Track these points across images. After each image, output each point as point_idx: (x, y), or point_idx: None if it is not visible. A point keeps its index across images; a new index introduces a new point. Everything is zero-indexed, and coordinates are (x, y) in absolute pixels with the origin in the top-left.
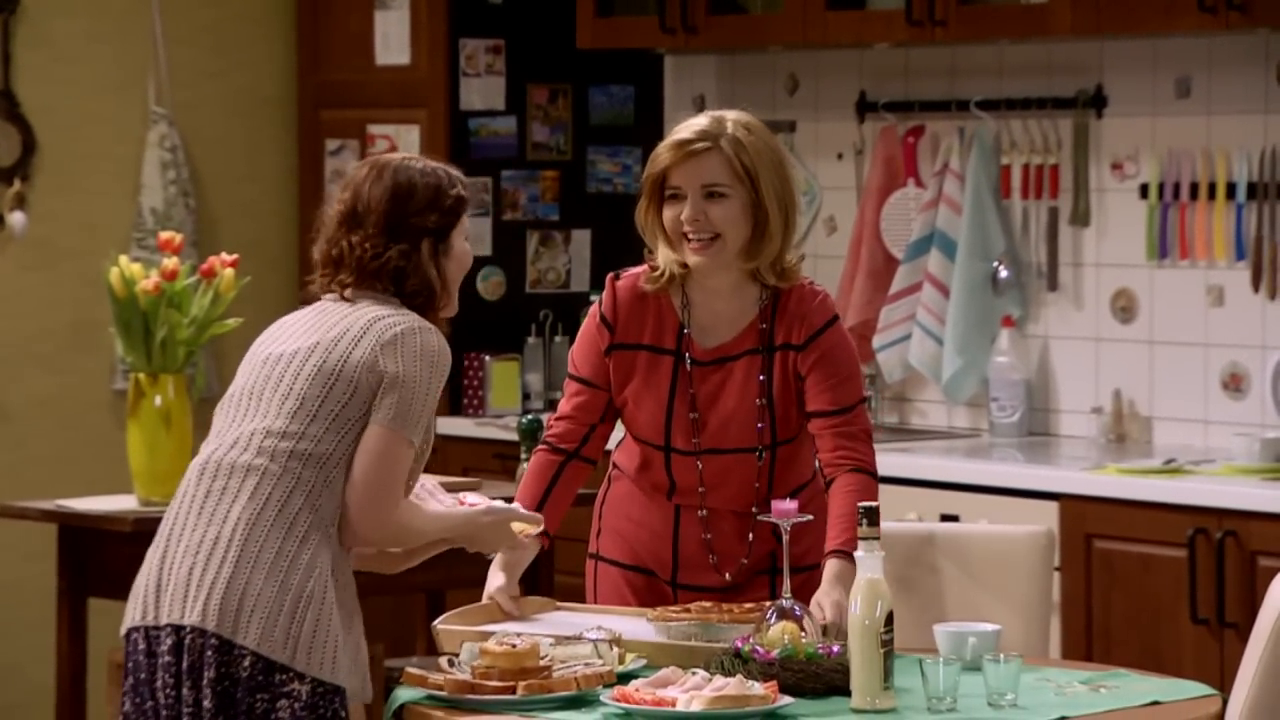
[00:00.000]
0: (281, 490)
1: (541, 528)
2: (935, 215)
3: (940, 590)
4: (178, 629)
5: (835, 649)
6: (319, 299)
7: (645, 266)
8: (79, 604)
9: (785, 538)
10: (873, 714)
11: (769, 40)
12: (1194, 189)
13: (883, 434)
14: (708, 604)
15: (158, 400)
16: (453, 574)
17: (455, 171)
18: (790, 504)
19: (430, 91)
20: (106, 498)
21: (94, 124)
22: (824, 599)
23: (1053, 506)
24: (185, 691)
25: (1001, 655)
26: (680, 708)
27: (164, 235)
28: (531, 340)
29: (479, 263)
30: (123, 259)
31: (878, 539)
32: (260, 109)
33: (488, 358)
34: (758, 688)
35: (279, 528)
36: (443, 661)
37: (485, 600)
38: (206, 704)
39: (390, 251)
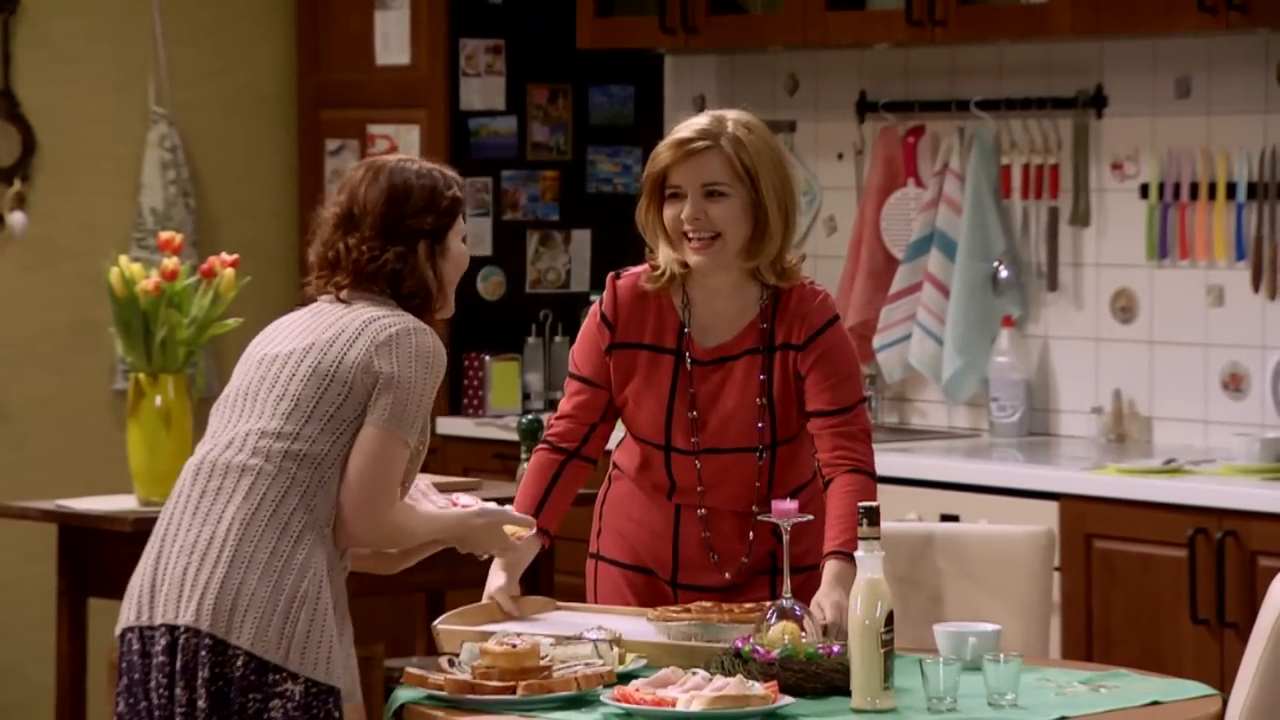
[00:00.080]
0: (276, 491)
1: (534, 530)
2: (935, 215)
3: (940, 590)
4: (172, 629)
5: (835, 649)
6: (316, 300)
7: (646, 266)
8: (79, 604)
9: (785, 538)
10: (873, 714)
11: (769, 40)
12: (1194, 189)
13: (883, 434)
14: (708, 604)
15: (158, 400)
16: (453, 574)
17: (451, 172)
18: (790, 504)
19: (430, 91)
20: (106, 498)
21: (94, 124)
22: (824, 599)
23: (1053, 506)
24: (179, 691)
25: (1001, 655)
26: (680, 708)
27: (164, 235)
28: (531, 340)
29: (479, 263)
30: (123, 259)
31: (878, 539)
32: (260, 109)
33: (488, 358)
34: (758, 688)
35: (273, 528)
36: (443, 661)
37: (485, 600)
38: (200, 704)
39: (387, 254)
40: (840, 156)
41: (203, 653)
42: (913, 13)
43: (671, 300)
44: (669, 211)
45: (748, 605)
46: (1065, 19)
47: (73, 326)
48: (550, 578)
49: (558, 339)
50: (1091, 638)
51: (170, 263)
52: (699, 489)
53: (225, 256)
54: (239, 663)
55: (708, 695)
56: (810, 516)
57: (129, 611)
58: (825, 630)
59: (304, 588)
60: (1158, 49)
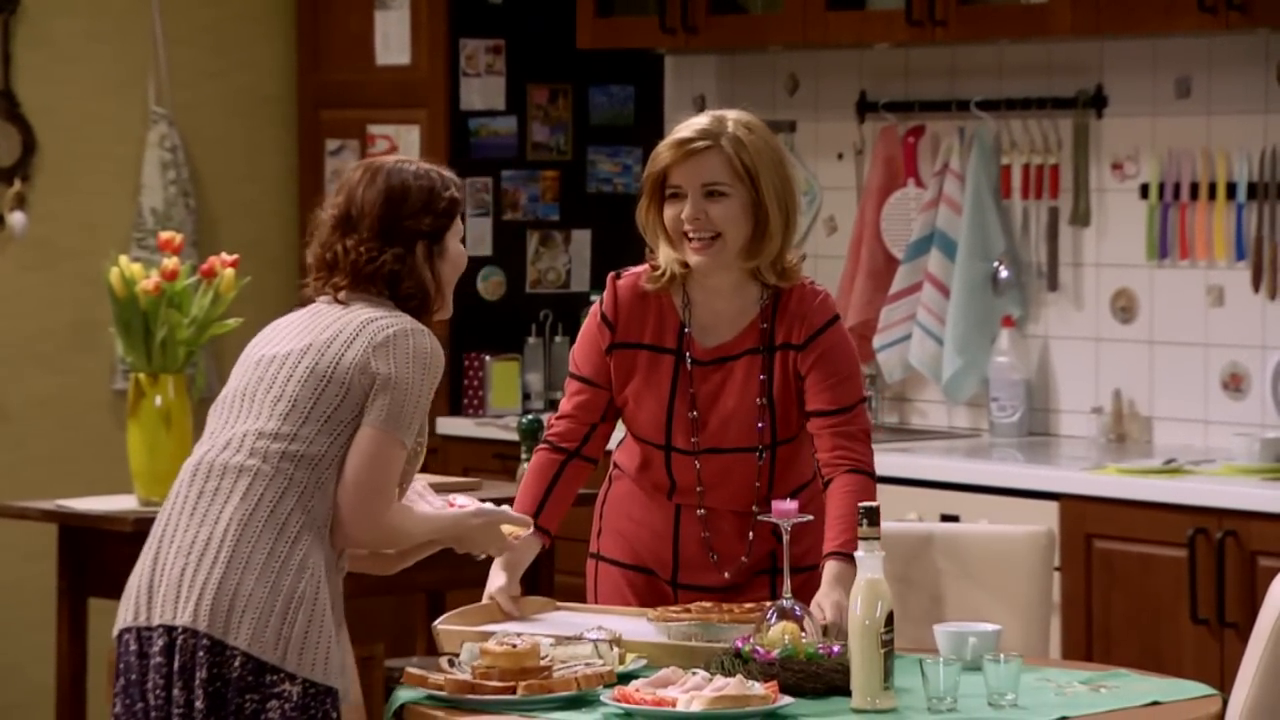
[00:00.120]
0: (273, 492)
1: (530, 529)
2: (935, 215)
3: (940, 590)
4: (169, 630)
5: (835, 649)
6: (314, 301)
7: (646, 266)
8: (79, 604)
9: (786, 538)
10: (873, 714)
11: (769, 40)
12: (1194, 189)
13: (883, 434)
14: (708, 604)
15: (158, 400)
16: (453, 574)
17: (449, 173)
18: (790, 504)
19: (430, 91)
20: (106, 498)
21: (94, 124)
22: (824, 599)
23: (1053, 506)
24: (176, 692)
25: (1002, 655)
26: (680, 708)
27: (164, 235)
28: (532, 340)
29: (480, 263)
30: (123, 259)
31: (878, 539)
32: (260, 109)
33: (488, 358)
34: (758, 688)
35: (270, 529)
36: (443, 661)
37: (485, 600)
38: (198, 705)
39: (385, 255)
40: (840, 156)
41: (200, 653)
42: (913, 13)
43: (672, 300)
44: (669, 211)
45: (748, 605)
46: (1065, 19)
47: (73, 326)
48: (550, 578)
49: (558, 339)
50: (1091, 638)
51: (170, 263)
52: (699, 489)
53: (225, 256)
54: (236, 663)
55: (708, 695)
56: (810, 517)
57: (126, 612)
58: (825, 630)
59: (301, 588)
60: (1158, 49)
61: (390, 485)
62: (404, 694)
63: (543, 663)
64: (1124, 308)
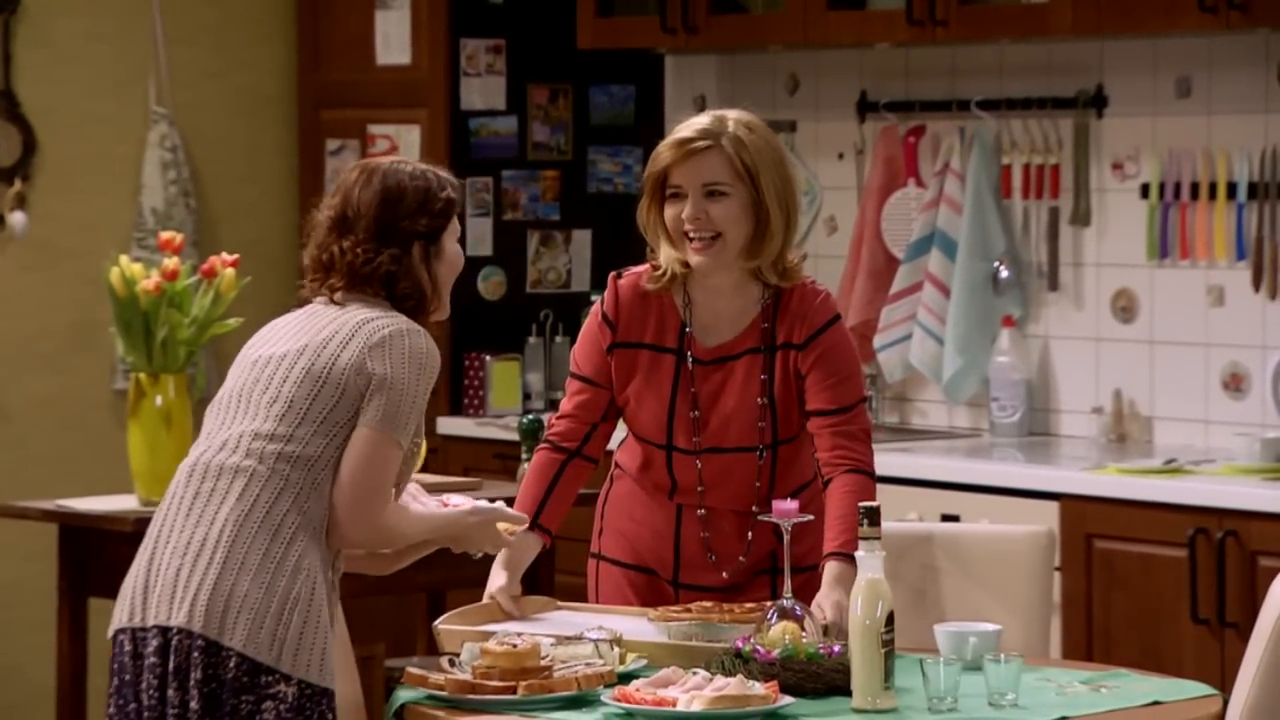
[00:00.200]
0: (269, 492)
1: (525, 526)
2: (936, 215)
3: (940, 590)
4: (164, 630)
5: (836, 649)
6: (311, 303)
7: (647, 266)
8: (79, 604)
9: (786, 538)
10: (873, 714)
11: (769, 40)
12: (1194, 189)
13: (883, 434)
14: (709, 604)
15: (158, 400)
16: (454, 574)
17: (445, 174)
18: (791, 504)
19: (431, 91)
20: (107, 498)
21: (94, 124)
22: (824, 599)
23: (1053, 506)
24: (171, 693)
25: (1002, 655)
26: (681, 708)
27: (164, 235)
28: (532, 340)
29: (480, 262)
30: (123, 259)
31: (879, 539)
32: (261, 109)
33: (488, 358)
34: (758, 688)
35: (266, 530)
36: (443, 661)
37: (486, 600)
38: (193, 705)
39: (381, 256)
40: (841, 156)
41: (195, 654)
42: (913, 12)
43: (673, 300)
44: (670, 211)
45: (748, 605)
46: (1066, 19)
47: (73, 326)
48: (551, 577)
49: (558, 339)
50: (1092, 638)
51: (171, 263)
52: (699, 489)
53: (226, 256)
54: (231, 664)
55: (708, 695)
56: (811, 517)
57: (122, 613)
58: (826, 630)
59: (297, 589)
60: (1158, 49)
61: (386, 486)
62: (404, 694)
63: (543, 662)
64: (1124, 308)
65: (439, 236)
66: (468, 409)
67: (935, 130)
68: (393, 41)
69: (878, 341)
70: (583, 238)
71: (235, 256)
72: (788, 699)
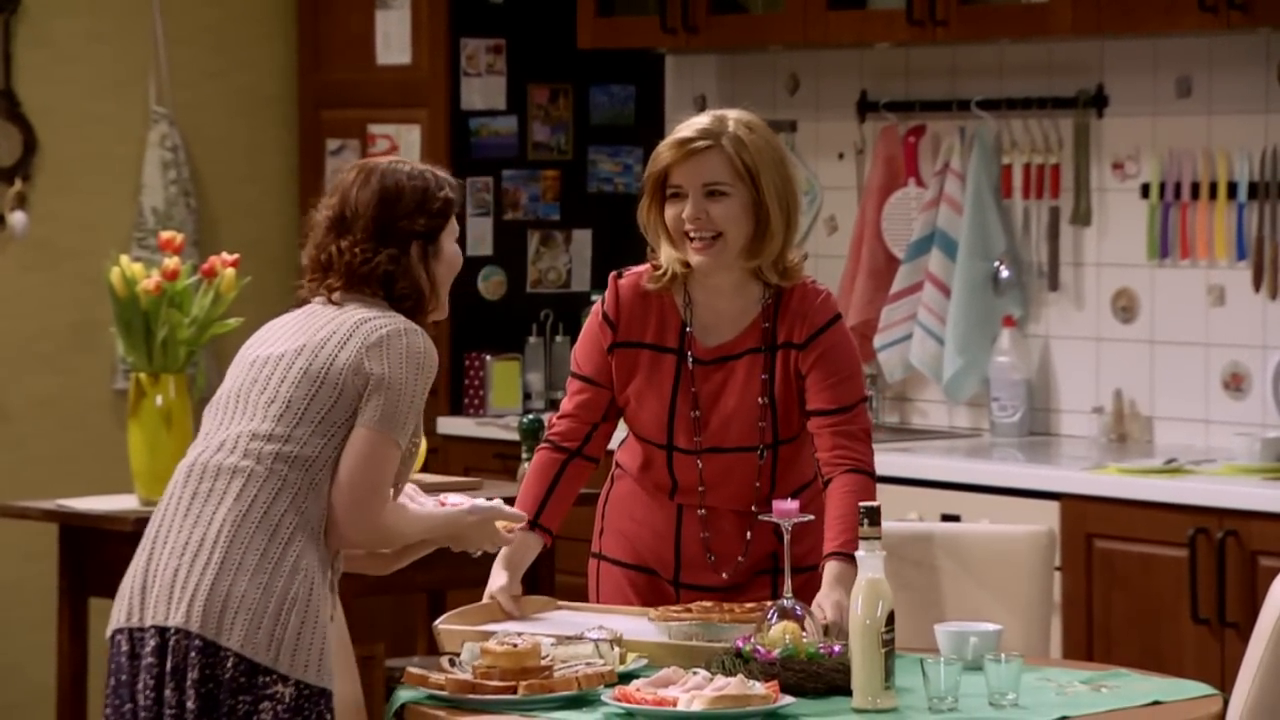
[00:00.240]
0: (267, 493)
1: (524, 524)
2: (936, 215)
3: (940, 590)
4: (162, 630)
5: (836, 649)
6: (309, 303)
7: (648, 265)
8: (79, 604)
9: (787, 538)
10: (874, 714)
11: (770, 40)
12: (1195, 189)
13: (883, 434)
14: (709, 604)
15: (158, 400)
16: (454, 574)
17: (443, 173)
18: (792, 504)
19: (431, 91)
20: (107, 498)
21: (94, 124)
22: (825, 599)
23: (1053, 506)
24: (168, 693)
25: (1002, 655)
26: (681, 707)
27: (165, 235)
28: (532, 340)
29: (480, 262)
30: (123, 259)
31: (879, 539)
32: (261, 109)
33: (489, 358)
34: (759, 687)
35: (264, 530)
36: (444, 661)
37: (486, 600)
38: (190, 705)
39: (379, 256)
40: (841, 156)
41: (192, 654)
42: (913, 12)
43: (673, 300)
44: (670, 211)
45: (749, 605)
46: (1066, 19)
47: (73, 326)
48: (551, 577)
49: (559, 339)
50: (1092, 637)
51: (171, 262)
52: (699, 489)
53: (226, 256)
54: (229, 664)
55: (709, 695)
56: (811, 516)
57: (119, 613)
58: (826, 630)
59: (294, 590)
60: (1158, 49)
61: (385, 485)
62: (405, 694)
63: (543, 662)
64: (1125, 307)
65: (437, 236)
66: (468, 409)
67: (935, 130)
68: (393, 41)
69: (878, 341)
70: (583, 238)
71: (235, 256)
72: (788, 699)
